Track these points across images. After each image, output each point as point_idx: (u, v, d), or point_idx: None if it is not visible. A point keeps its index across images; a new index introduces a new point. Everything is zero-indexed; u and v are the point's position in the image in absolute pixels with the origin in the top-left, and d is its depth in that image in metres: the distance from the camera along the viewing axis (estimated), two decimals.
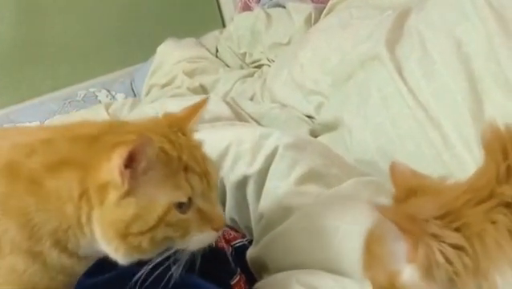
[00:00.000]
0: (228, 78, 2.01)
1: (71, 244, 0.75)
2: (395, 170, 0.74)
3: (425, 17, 1.31)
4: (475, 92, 1.13)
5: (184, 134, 0.78)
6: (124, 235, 0.71)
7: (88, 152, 0.72)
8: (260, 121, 1.61)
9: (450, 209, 0.60)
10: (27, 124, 1.96)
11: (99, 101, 2.18)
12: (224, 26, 2.81)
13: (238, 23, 2.24)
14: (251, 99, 1.81)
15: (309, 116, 1.58)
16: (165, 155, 0.72)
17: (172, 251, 0.75)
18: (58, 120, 1.93)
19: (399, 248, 0.61)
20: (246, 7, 2.45)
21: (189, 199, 0.73)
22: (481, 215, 0.59)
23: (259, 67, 2.10)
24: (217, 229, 0.78)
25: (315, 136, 1.45)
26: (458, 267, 0.58)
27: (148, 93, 2.16)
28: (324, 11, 1.92)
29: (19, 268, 0.74)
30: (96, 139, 0.73)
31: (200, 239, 0.76)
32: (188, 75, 2.08)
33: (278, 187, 1.08)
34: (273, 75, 1.76)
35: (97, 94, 2.24)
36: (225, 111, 1.58)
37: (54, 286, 0.77)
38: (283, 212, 1.02)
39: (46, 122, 1.96)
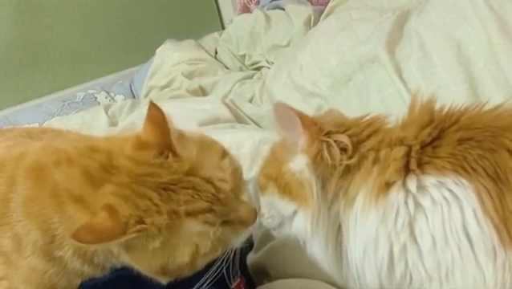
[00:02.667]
0: (227, 80, 2.01)
1: (98, 259, 0.75)
2: (329, 113, 0.84)
3: (425, 19, 1.31)
4: (475, 94, 1.13)
5: (175, 155, 0.72)
6: (163, 273, 0.72)
7: (90, 196, 0.71)
8: (259, 123, 1.61)
9: (354, 130, 0.70)
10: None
11: (99, 103, 2.18)
12: (223, 27, 2.81)
13: (237, 25, 2.24)
14: (250, 100, 1.81)
15: None
16: (144, 233, 0.68)
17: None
18: (56, 121, 1.92)
19: (298, 143, 0.70)
20: (245, 9, 2.45)
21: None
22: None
23: (258, 68, 2.10)
24: (251, 224, 0.78)
25: None
26: (336, 164, 0.68)
27: (147, 95, 2.16)
28: (323, 13, 1.92)
29: (40, 269, 0.75)
30: (93, 183, 0.72)
31: (239, 240, 0.78)
32: (187, 76, 2.07)
33: None
34: (272, 76, 1.76)
35: (96, 96, 2.23)
36: (224, 112, 1.58)
37: (70, 287, 0.78)
38: None
39: (45, 124, 1.96)
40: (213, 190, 0.72)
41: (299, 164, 0.70)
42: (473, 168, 0.62)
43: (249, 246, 1.04)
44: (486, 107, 0.69)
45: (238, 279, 0.88)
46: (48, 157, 0.77)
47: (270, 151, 0.79)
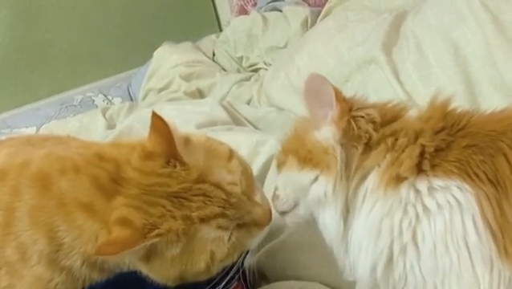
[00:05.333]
0: (225, 82, 2.01)
1: (109, 265, 0.75)
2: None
3: (421, 20, 1.32)
4: (472, 95, 1.13)
5: (182, 164, 0.72)
6: (181, 281, 0.72)
7: (101, 206, 0.71)
8: (257, 125, 1.61)
9: (380, 109, 0.71)
10: (24, 130, 1.96)
11: (96, 106, 2.18)
12: (220, 29, 2.81)
13: (235, 27, 2.24)
14: (248, 102, 1.81)
15: None
16: (164, 238, 0.69)
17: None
18: (54, 125, 1.92)
19: (327, 114, 0.70)
20: (243, 11, 2.46)
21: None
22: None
23: (256, 70, 2.10)
24: (266, 225, 0.77)
25: None
26: (362, 135, 0.68)
27: (144, 97, 2.16)
28: (321, 14, 1.93)
29: (45, 277, 0.74)
30: (104, 192, 0.71)
31: (254, 242, 0.78)
32: (184, 79, 2.07)
33: None
34: (270, 78, 1.76)
35: (94, 98, 2.23)
36: (221, 114, 1.58)
37: None
38: (280, 222, 1.02)
39: (43, 127, 1.96)
40: (223, 195, 0.72)
41: (326, 132, 0.70)
42: (475, 174, 0.62)
43: None
44: (494, 112, 0.69)
45: (236, 282, 0.88)
46: (52, 165, 0.76)
47: (291, 130, 0.78)
